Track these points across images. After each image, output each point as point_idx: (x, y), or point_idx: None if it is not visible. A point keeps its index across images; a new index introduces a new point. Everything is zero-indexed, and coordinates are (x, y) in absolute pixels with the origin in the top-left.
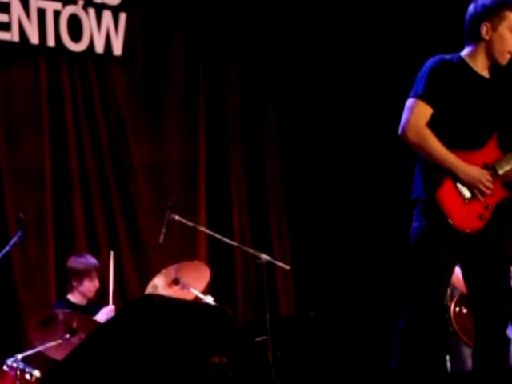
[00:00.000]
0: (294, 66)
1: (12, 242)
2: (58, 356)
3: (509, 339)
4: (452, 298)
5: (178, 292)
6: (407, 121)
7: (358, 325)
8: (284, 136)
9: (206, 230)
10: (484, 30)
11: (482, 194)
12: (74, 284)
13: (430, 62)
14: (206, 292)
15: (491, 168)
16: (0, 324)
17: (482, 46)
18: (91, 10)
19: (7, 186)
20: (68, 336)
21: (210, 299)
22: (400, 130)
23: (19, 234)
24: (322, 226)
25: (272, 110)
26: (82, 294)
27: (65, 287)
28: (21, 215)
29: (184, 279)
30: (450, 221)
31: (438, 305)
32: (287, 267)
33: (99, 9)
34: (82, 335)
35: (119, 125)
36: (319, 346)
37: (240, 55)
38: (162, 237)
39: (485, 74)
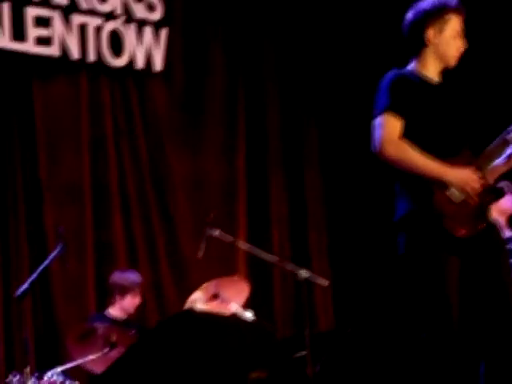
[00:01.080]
0: (336, 83)
1: (52, 255)
2: (98, 369)
3: None
4: None
5: (218, 306)
6: (381, 137)
7: (396, 342)
8: (325, 152)
9: (245, 246)
10: (431, 34)
11: (474, 193)
12: (117, 299)
13: (387, 78)
14: (245, 307)
15: (475, 168)
16: (40, 337)
17: (430, 52)
18: (132, 26)
19: (48, 202)
20: (107, 350)
21: (249, 314)
22: (376, 148)
23: (59, 247)
24: (361, 242)
25: (313, 126)
26: (124, 310)
27: (104, 301)
28: (61, 229)
29: (223, 294)
30: (455, 227)
31: (456, 329)
32: (326, 283)
33: (140, 24)
34: (122, 349)
35: (159, 140)
36: (358, 362)
37: (281, 72)
38: (200, 252)
39: (437, 80)
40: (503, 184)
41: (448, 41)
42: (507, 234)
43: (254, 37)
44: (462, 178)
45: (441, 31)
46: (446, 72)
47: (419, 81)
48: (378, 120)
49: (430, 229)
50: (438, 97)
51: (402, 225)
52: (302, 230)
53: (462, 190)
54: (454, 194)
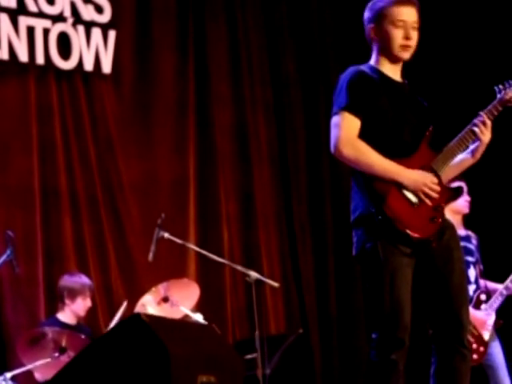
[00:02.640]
0: (286, 81)
1: (1, 259)
2: (47, 375)
3: (467, 351)
4: None
5: (168, 310)
6: (338, 137)
7: (348, 343)
8: (274, 151)
9: (196, 248)
10: (372, 31)
11: (429, 197)
12: (67, 302)
13: (346, 75)
14: (195, 310)
15: (430, 169)
16: None
17: (378, 49)
18: (80, 28)
19: None
20: (57, 354)
21: (199, 317)
22: (333, 148)
23: (8, 252)
24: (313, 242)
25: (262, 126)
26: (74, 313)
27: (54, 306)
28: (10, 233)
29: (173, 297)
30: (407, 230)
31: (408, 330)
32: (276, 285)
33: (88, 26)
34: (72, 354)
35: (108, 142)
36: (308, 364)
37: (230, 70)
38: (151, 254)
39: (397, 78)
40: (458, 184)
41: (387, 32)
42: (461, 232)
43: (204, 37)
44: (416, 180)
45: (380, 26)
46: (407, 70)
47: (378, 77)
48: (336, 119)
49: (383, 231)
50: (396, 94)
51: (357, 226)
52: (252, 230)
53: (417, 192)
54: (409, 195)
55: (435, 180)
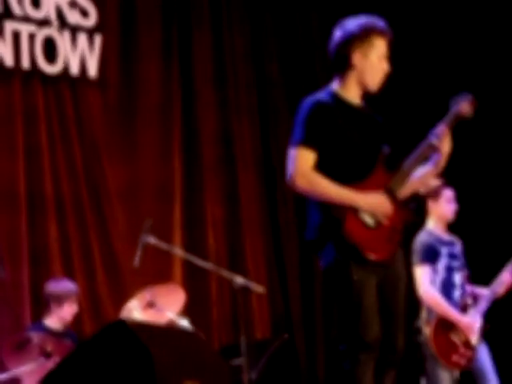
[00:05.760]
0: (269, 84)
1: None
2: (32, 380)
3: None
4: (429, 322)
5: (154, 315)
6: (293, 170)
7: (333, 349)
8: (259, 155)
9: (181, 253)
10: (357, 58)
11: (384, 218)
12: (53, 308)
13: (305, 107)
14: (181, 315)
15: (387, 190)
16: None
17: (353, 76)
18: (66, 32)
19: None
20: (42, 360)
21: (185, 322)
22: (288, 181)
23: None
24: (299, 246)
25: (247, 130)
26: (60, 319)
27: (39, 310)
28: None
29: (159, 302)
30: (366, 253)
31: (378, 340)
32: (262, 290)
33: (74, 31)
34: (57, 359)
35: (94, 147)
36: (293, 369)
37: (215, 76)
38: (136, 259)
39: (357, 102)
40: (434, 183)
41: (372, 65)
42: (445, 238)
43: (189, 42)
44: (372, 202)
45: (366, 55)
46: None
47: (336, 104)
48: (292, 152)
49: (343, 253)
50: (353, 118)
51: (321, 242)
52: (237, 235)
53: (373, 214)
54: (366, 218)
55: (389, 201)
